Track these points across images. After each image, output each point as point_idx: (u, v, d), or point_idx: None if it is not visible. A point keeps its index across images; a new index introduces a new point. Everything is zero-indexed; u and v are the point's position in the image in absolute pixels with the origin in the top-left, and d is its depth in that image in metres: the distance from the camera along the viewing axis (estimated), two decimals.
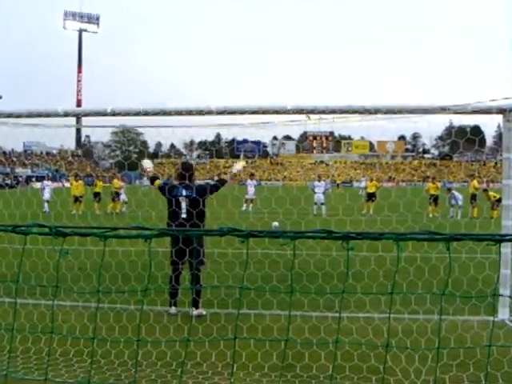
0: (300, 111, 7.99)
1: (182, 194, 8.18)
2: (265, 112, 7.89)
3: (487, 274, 7.91)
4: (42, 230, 3.51)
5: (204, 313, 7.93)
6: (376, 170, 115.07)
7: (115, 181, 29.76)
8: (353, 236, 3.27)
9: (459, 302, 7.57)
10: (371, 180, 32.85)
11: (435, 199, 27.71)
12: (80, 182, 29.90)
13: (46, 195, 28.65)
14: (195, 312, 7.85)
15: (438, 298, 7.43)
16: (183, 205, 8.12)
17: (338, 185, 62.38)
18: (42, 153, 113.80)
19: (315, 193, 28.28)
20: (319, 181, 29.85)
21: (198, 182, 8.71)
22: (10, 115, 8.55)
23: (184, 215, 8.08)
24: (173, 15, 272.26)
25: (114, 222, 21.33)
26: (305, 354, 5.92)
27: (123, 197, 29.23)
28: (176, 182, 8.53)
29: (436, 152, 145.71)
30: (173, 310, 8.00)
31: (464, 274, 7.96)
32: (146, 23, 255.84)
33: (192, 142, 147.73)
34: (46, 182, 30.63)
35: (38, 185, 34.48)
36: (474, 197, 27.34)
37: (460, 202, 26.49)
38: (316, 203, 27.88)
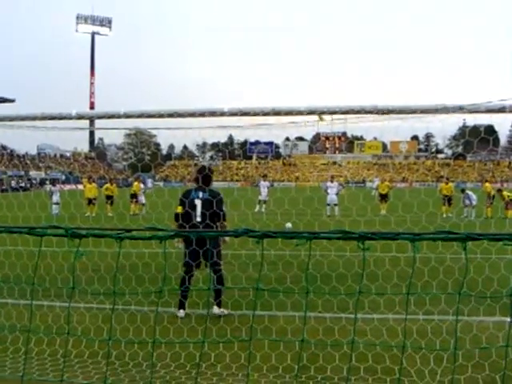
0: (313, 112, 7.97)
1: (198, 196, 8.18)
2: (277, 113, 7.88)
3: (502, 275, 7.85)
4: (57, 232, 3.53)
5: (226, 312, 7.94)
6: (389, 170, 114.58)
7: (135, 183, 30.13)
8: (369, 236, 3.25)
9: (474, 303, 7.52)
10: (383, 181, 32.63)
11: (449, 199, 27.52)
12: (93, 184, 30.16)
13: (54, 198, 28.85)
14: (218, 311, 7.88)
15: (452, 299, 7.38)
16: (198, 207, 8.12)
17: (342, 185, 59.16)
18: (55, 155, 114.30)
19: (328, 194, 28.20)
20: (332, 181, 29.74)
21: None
22: (23, 118, 8.60)
23: (198, 218, 8.07)
24: (185, 18, 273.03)
25: (127, 223, 21.40)
26: (319, 355, 5.91)
27: (142, 199, 29.61)
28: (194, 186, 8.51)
29: (449, 152, 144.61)
30: (181, 313, 7.95)
31: (479, 275, 7.91)
32: (158, 26, 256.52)
33: (205, 144, 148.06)
34: (53, 187, 30.85)
35: (47, 188, 34.74)
36: (491, 196, 27.03)
37: (474, 202, 26.28)
38: (329, 204, 27.79)
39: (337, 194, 28.36)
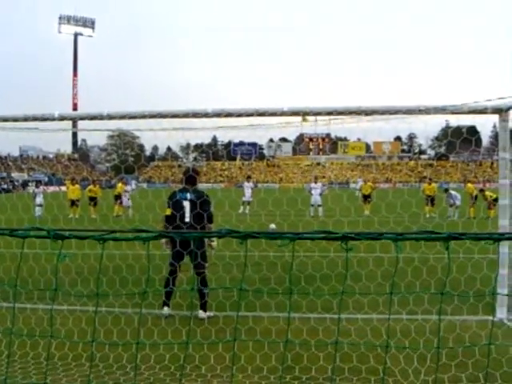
0: (296, 113, 7.99)
1: (186, 198, 8.14)
2: (261, 114, 7.89)
3: (485, 274, 7.90)
4: (39, 234, 3.50)
5: (212, 314, 7.91)
6: (373, 171, 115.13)
7: (119, 185, 30.02)
8: (351, 236, 3.25)
9: (457, 302, 7.57)
10: (366, 182, 32.86)
11: (432, 200, 27.70)
12: (76, 185, 29.96)
13: (38, 200, 28.67)
14: (204, 315, 7.84)
15: (436, 298, 7.43)
16: (187, 208, 8.08)
17: (325, 185, 58.23)
18: (38, 157, 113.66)
19: (312, 194, 28.28)
20: (316, 182, 29.83)
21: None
22: (6, 119, 8.53)
23: (187, 219, 8.03)
24: (167, 19, 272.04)
25: (111, 225, 21.29)
26: (304, 355, 5.91)
27: (127, 201, 29.43)
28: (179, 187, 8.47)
29: (432, 152, 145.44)
30: (165, 310, 7.95)
31: (462, 274, 7.95)
32: (141, 27, 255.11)
33: (188, 145, 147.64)
34: (36, 189, 30.65)
35: (30, 190, 34.57)
36: (473, 196, 27.15)
37: (458, 202, 26.42)
38: (313, 205, 27.87)
39: (320, 195, 28.45)
